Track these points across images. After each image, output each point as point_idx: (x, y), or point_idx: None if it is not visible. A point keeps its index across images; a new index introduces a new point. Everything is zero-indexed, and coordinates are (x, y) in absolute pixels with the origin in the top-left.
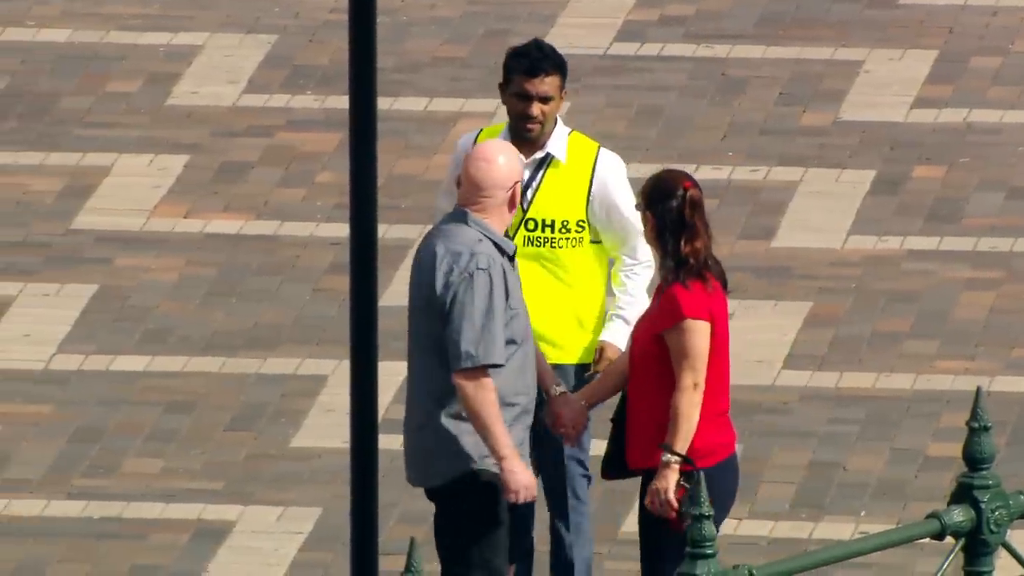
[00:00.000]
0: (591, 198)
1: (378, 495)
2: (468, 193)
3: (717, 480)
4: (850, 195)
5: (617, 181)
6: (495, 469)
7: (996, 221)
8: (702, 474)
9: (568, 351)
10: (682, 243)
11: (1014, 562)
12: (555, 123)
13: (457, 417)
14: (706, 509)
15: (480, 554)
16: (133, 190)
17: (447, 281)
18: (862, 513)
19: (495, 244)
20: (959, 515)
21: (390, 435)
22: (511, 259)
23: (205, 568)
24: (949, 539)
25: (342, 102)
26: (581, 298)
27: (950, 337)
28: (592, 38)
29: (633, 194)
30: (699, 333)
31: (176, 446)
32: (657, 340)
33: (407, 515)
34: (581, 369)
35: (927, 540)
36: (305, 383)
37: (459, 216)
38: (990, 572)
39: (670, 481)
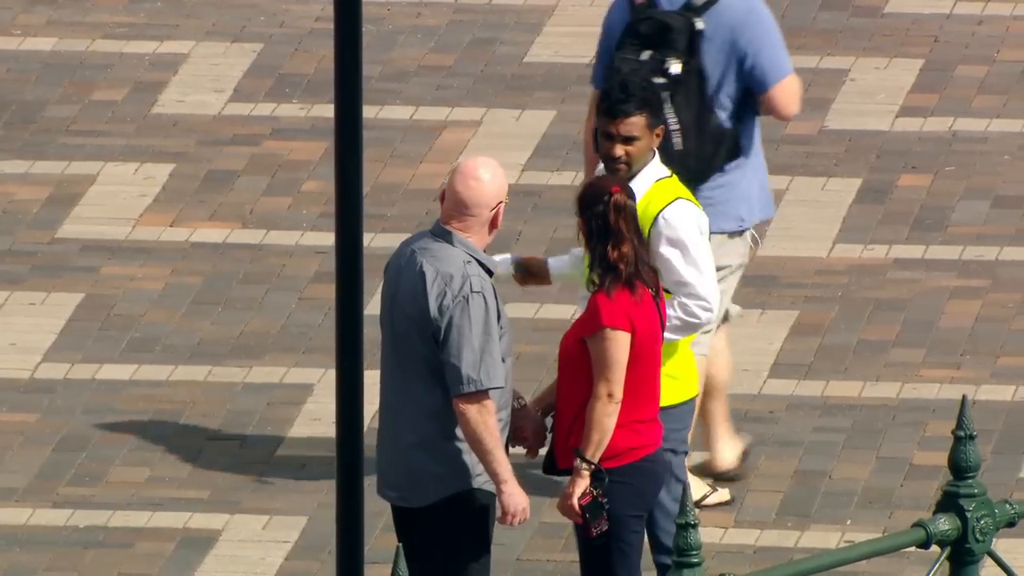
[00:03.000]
0: (649, 245)
1: (364, 503)
2: (452, 210)
3: (624, 481)
4: (836, 204)
5: (674, 236)
6: (487, 488)
7: (982, 230)
8: (607, 478)
9: None
10: (609, 248)
11: (1000, 571)
12: (651, 158)
13: (452, 437)
14: (692, 518)
15: (468, 573)
16: (119, 199)
17: (441, 304)
18: (848, 522)
19: (479, 263)
20: (945, 524)
21: None
22: (491, 277)
23: None
24: (935, 548)
25: (328, 111)
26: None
27: (936, 346)
28: (578, 47)
29: (702, 251)
30: (616, 343)
31: (162, 455)
32: (581, 345)
33: (393, 524)
34: (666, 410)
35: (913, 549)
36: (291, 392)
37: (443, 234)
38: None
39: (577, 487)
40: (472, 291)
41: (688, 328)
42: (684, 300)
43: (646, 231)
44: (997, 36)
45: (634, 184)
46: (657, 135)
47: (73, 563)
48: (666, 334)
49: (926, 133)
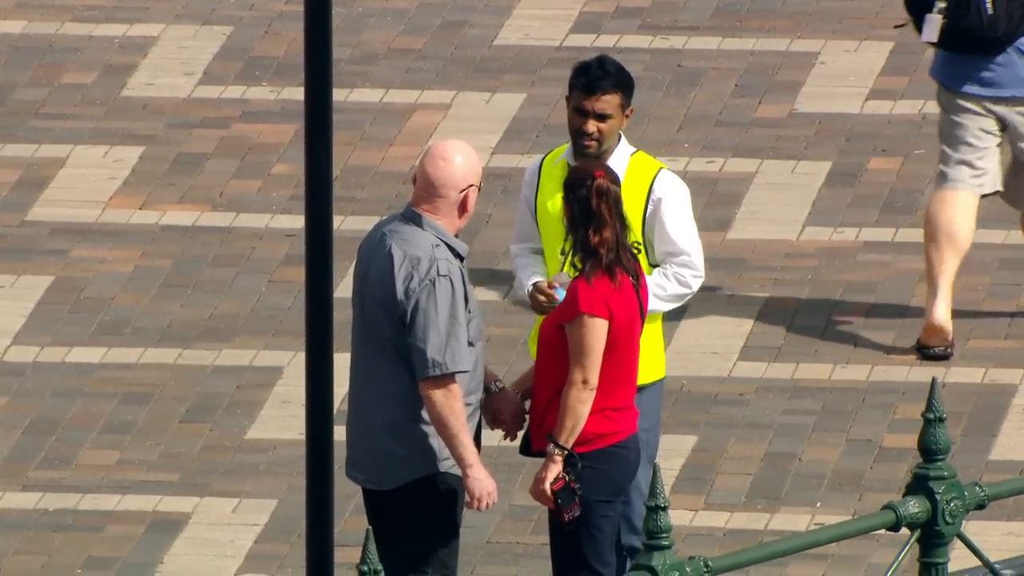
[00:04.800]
0: (646, 220)
1: (333, 487)
2: (421, 191)
3: (595, 466)
4: (806, 187)
5: (671, 204)
6: (455, 471)
7: None
8: (580, 463)
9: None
10: (591, 233)
11: (969, 553)
12: (618, 141)
13: (419, 420)
14: (662, 500)
15: (437, 556)
16: (88, 182)
17: (408, 288)
18: (818, 504)
19: (449, 247)
20: (914, 506)
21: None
22: (463, 261)
23: (161, 560)
24: (904, 530)
25: (297, 93)
26: None
27: (905, 328)
28: (548, 30)
29: (692, 220)
30: (593, 330)
31: (132, 438)
32: (560, 330)
33: (362, 507)
34: (641, 389)
35: (883, 531)
36: (261, 374)
37: (412, 217)
38: (945, 563)
39: (550, 472)
40: (439, 275)
41: (678, 299)
42: (679, 270)
43: (642, 203)
44: None
45: (610, 163)
46: (626, 116)
47: (42, 546)
48: (659, 304)
49: (896, 116)
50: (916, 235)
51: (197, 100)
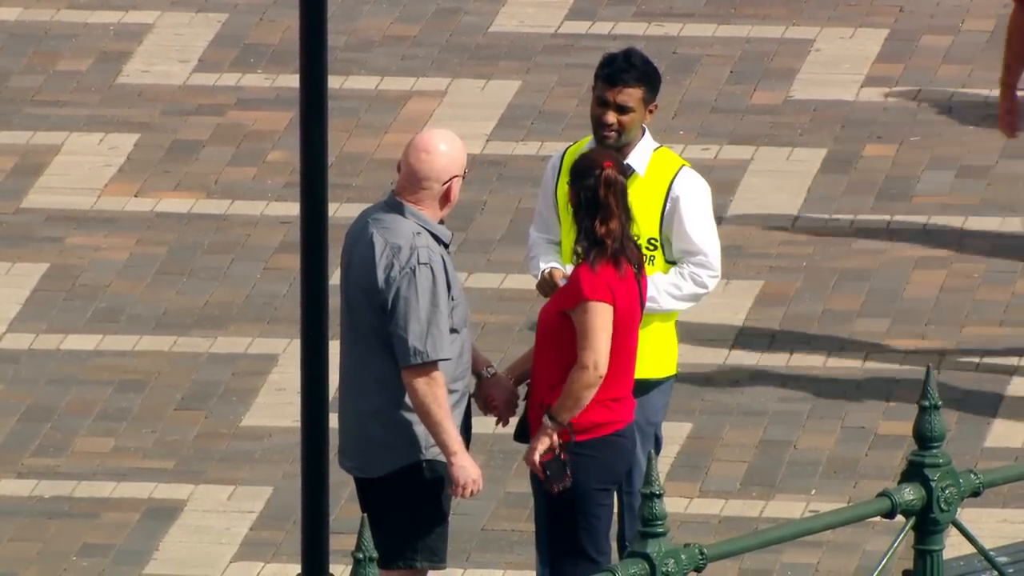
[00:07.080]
0: (664, 217)
1: (328, 474)
2: (404, 182)
3: (593, 455)
4: (801, 173)
5: (689, 202)
6: (441, 458)
7: (946, 199)
8: (573, 436)
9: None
10: (597, 223)
11: (964, 540)
12: (641, 134)
13: (404, 407)
14: (657, 488)
15: (425, 543)
16: (84, 169)
17: (388, 276)
18: (813, 491)
19: (432, 235)
20: (910, 493)
21: None
22: (447, 248)
23: (156, 547)
24: (900, 517)
25: (293, 81)
26: (652, 314)
27: (901, 315)
28: (543, 16)
29: (712, 219)
30: (599, 314)
31: (127, 425)
32: (561, 317)
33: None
34: (654, 384)
35: (878, 518)
36: (256, 362)
37: (395, 206)
38: (940, 550)
39: (541, 443)
40: (419, 262)
41: (694, 299)
42: (696, 270)
43: (661, 200)
44: (962, 6)
45: (632, 157)
46: (650, 111)
47: (38, 534)
48: (674, 304)
49: (891, 103)
50: (911, 222)
51: (192, 87)
